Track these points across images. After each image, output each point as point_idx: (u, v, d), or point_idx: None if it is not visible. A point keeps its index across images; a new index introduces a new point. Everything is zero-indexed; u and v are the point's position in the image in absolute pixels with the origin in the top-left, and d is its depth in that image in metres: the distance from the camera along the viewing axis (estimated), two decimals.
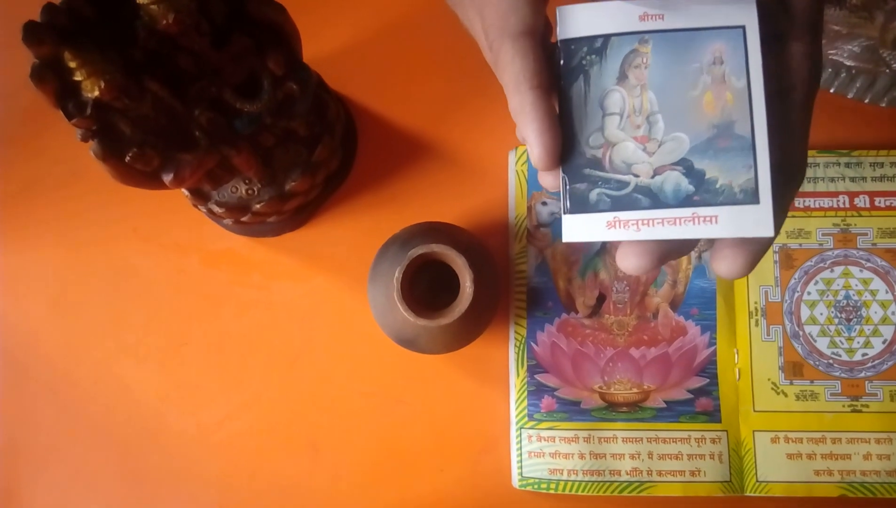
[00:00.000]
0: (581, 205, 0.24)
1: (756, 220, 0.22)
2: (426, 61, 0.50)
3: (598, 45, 0.24)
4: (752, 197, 0.22)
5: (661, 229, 0.23)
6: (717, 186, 0.23)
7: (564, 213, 0.24)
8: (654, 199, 0.23)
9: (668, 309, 0.46)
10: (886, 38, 0.41)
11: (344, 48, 0.51)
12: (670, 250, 0.24)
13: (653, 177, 0.23)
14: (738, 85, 0.23)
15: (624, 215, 0.23)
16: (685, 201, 0.23)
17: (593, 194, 0.24)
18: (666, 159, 0.23)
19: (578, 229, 0.24)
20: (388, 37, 0.51)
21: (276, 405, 0.48)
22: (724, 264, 0.24)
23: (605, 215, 0.23)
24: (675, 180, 0.23)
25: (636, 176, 0.23)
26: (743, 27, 0.23)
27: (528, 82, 0.24)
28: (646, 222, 0.23)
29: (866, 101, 0.47)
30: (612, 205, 0.23)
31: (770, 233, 0.22)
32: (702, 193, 0.23)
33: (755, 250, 0.23)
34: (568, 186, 0.24)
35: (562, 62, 0.24)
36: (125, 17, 0.32)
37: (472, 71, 0.50)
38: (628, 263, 0.24)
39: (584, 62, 0.24)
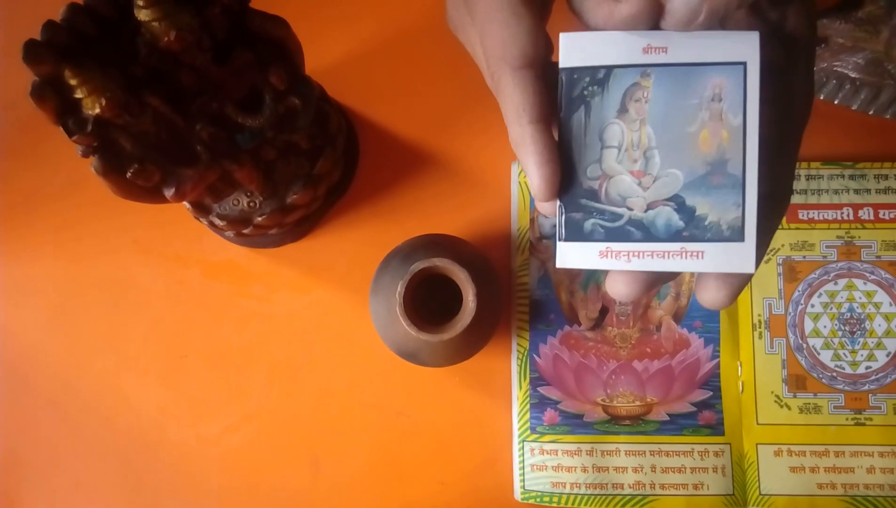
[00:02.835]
0: (576, 234, 0.24)
1: (740, 257, 0.23)
2: (428, 72, 0.50)
3: (600, 75, 0.24)
4: (738, 235, 0.23)
5: (651, 262, 0.24)
6: (706, 222, 0.23)
7: (559, 240, 0.24)
8: (646, 232, 0.24)
9: (672, 322, 0.46)
10: (892, 52, 0.41)
11: (346, 59, 0.51)
12: (657, 279, 0.25)
13: (646, 211, 0.24)
14: (734, 123, 0.23)
15: (616, 246, 0.24)
16: (675, 236, 0.24)
17: (588, 224, 0.24)
18: (660, 195, 0.24)
19: (572, 256, 0.24)
20: (390, 48, 0.51)
21: (277, 417, 0.48)
22: (707, 295, 0.25)
23: (598, 244, 0.24)
24: (666, 216, 0.24)
25: (630, 209, 0.24)
26: (744, 64, 0.23)
27: (527, 115, 0.24)
28: (637, 253, 0.24)
29: (870, 112, 0.47)
30: (605, 236, 0.24)
31: (751, 270, 0.23)
32: (691, 228, 0.23)
33: (737, 283, 0.24)
34: (564, 215, 0.24)
35: (563, 91, 0.24)
36: (126, 34, 0.32)
37: (474, 82, 0.49)
38: (617, 289, 0.25)
39: (585, 92, 0.24)
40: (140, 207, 0.37)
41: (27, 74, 0.30)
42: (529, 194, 0.48)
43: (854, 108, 0.47)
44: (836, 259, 0.46)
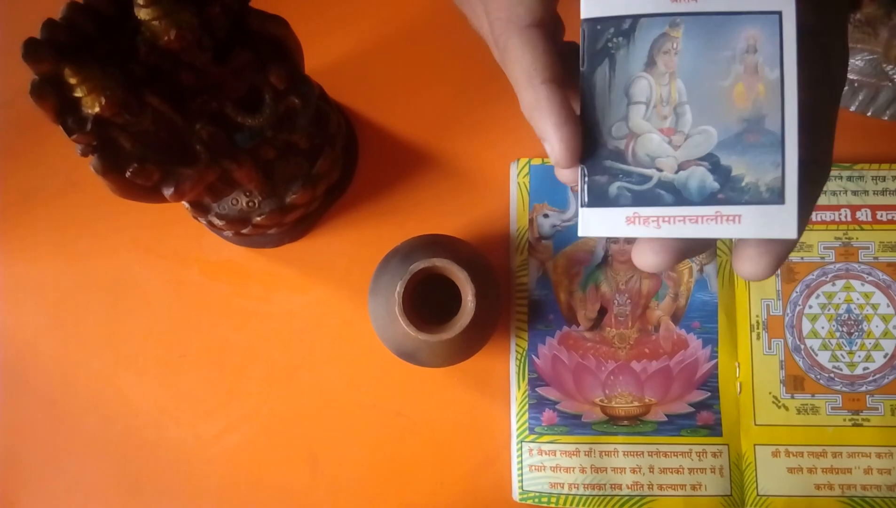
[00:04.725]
0: (600, 199, 0.22)
1: (780, 221, 0.21)
2: (428, 72, 0.50)
3: (625, 26, 0.22)
4: (777, 197, 0.21)
5: (683, 228, 0.22)
6: (743, 183, 0.22)
7: (582, 206, 0.23)
8: (678, 195, 0.22)
9: (670, 322, 0.46)
10: (890, 53, 0.41)
11: (345, 58, 0.51)
12: (690, 248, 0.23)
13: (677, 172, 0.22)
14: (771, 76, 0.21)
15: (645, 211, 0.22)
16: (709, 199, 0.22)
17: (613, 188, 0.22)
18: (692, 154, 0.22)
19: (596, 223, 0.22)
20: (389, 47, 0.51)
21: (276, 417, 0.48)
22: (747, 265, 0.23)
23: (624, 210, 0.22)
24: (700, 177, 0.22)
25: (660, 170, 0.22)
26: (780, 13, 0.21)
27: (540, 76, 0.22)
28: (667, 219, 0.22)
29: (868, 114, 0.47)
30: (632, 200, 0.22)
31: (794, 235, 0.22)
32: (727, 191, 0.22)
33: (779, 251, 0.22)
34: (587, 179, 0.23)
35: (585, 43, 0.22)
36: (126, 33, 0.32)
37: (474, 82, 0.50)
38: (645, 259, 0.23)
39: (609, 45, 0.22)
40: (139, 206, 0.37)
41: (27, 72, 0.30)
42: (529, 194, 0.48)
43: (852, 109, 0.47)
44: (833, 260, 0.46)
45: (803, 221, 0.22)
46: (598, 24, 0.22)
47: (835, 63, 0.23)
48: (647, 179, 0.22)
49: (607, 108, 0.22)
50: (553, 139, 0.22)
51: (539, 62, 0.23)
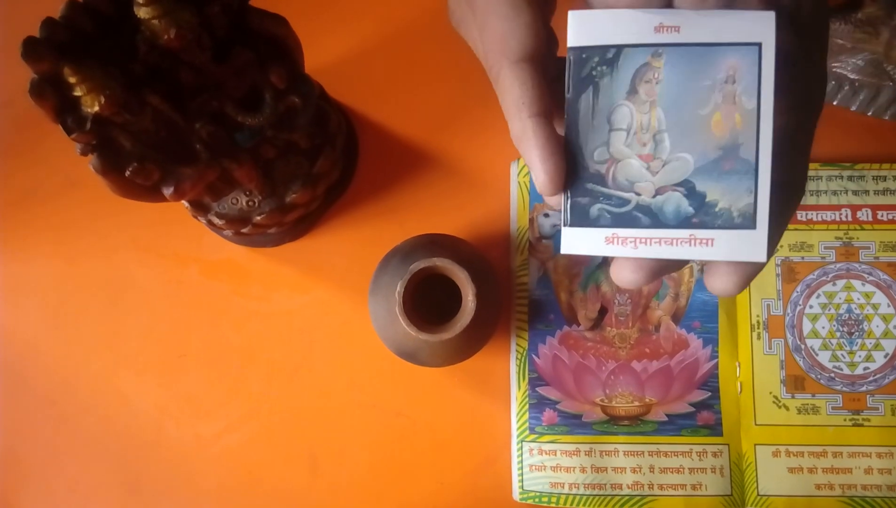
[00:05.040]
0: (581, 219, 0.24)
1: (751, 245, 0.22)
2: (428, 71, 0.50)
3: (610, 55, 0.23)
4: (749, 222, 0.22)
5: (659, 249, 0.23)
6: (717, 209, 0.23)
7: (564, 225, 0.24)
8: (654, 218, 0.23)
9: (670, 322, 0.46)
10: (891, 53, 0.41)
11: (346, 58, 0.51)
12: (665, 267, 0.24)
13: (654, 196, 0.23)
14: (748, 106, 0.22)
15: (623, 232, 0.23)
16: (684, 223, 0.23)
17: (594, 209, 0.24)
18: (669, 179, 0.23)
19: (577, 242, 0.24)
20: (390, 47, 0.50)
21: (275, 417, 0.47)
22: (717, 283, 0.24)
23: (604, 230, 0.23)
24: (676, 201, 0.23)
25: (638, 194, 0.23)
26: (759, 45, 0.22)
27: (527, 109, 0.23)
28: (644, 240, 0.23)
29: (869, 114, 0.47)
30: (612, 221, 0.23)
31: (763, 259, 0.22)
32: (701, 215, 0.23)
33: (748, 271, 0.24)
34: (569, 200, 0.24)
35: (571, 71, 0.23)
36: (126, 32, 0.32)
37: (474, 81, 0.49)
38: (623, 276, 0.24)
39: (594, 73, 0.23)
40: (138, 205, 0.37)
41: (26, 71, 0.30)
42: (529, 194, 0.48)
43: (853, 109, 0.47)
44: (834, 260, 0.46)
45: (773, 244, 0.23)
46: (584, 53, 0.23)
47: (814, 87, 0.24)
48: (626, 202, 0.23)
49: (590, 133, 0.23)
50: (538, 170, 0.23)
51: (527, 96, 0.24)
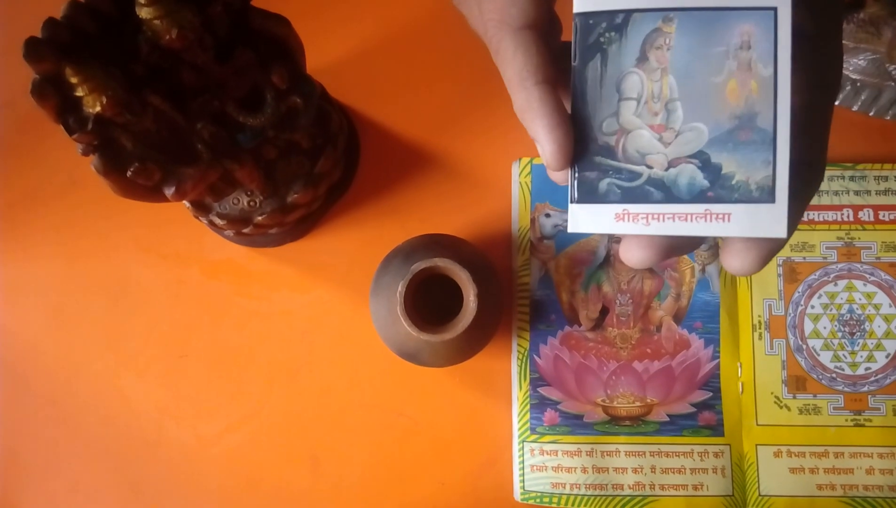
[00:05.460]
0: (590, 195, 0.22)
1: (770, 220, 0.21)
2: (429, 71, 0.50)
3: (618, 20, 0.22)
4: (768, 195, 0.21)
5: (672, 225, 0.22)
6: (733, 182, 0.21)
7: (571, 202, 0.22)
8: (667, 192, 0.22)
9: (672, 322, 0.46)
10: (894, 53, 0.41)
11: (347, 58, 0.51)
12: (677, 246, 0.23)
13: (667, 169, 0.22)
14: (764, 73, 0.21)
15: (634, 208, 0.22)
16: (699, 197, 0.22)
17: (603, 184, 0.22)
18: (682, 151, 0.22)
19: (585, 219, 0.22)
20: (391, 47, 0.50)
21: (277, 417, 0.47)
22: (735, 261, 0.22)
23: (614, 206, 0.22)
24: (689, 174, 0.22)
25: (650, 167, 0.22)
26: (775, 9, 0.21)
27: (532, 77, 0.22)
28: (656, 216, 0.22)
29: (871, 114, 0.47)
30: (622, 196, 0.22)
31: (783, 234, 0.21)
32: (716, 188, 0.21)
33: (767, 248, 0.22)
34: (577, 175, 0.22)
35: (577, 38, 0.22)
36: (128, 32, 0.32)
37: (476, 81, 0.49)
38: (632, 255, 0.22)
39: (602, 39, 0.22)
40: (140, 206, 0.37)
41: (27, 71, 0.30)
42: (531, 194, 0.48)
43: (855, 109, 0.47)
44: (836, 260, 0.46)
45: (794, 221, 0.22)
46: (591, 19, 0.22)
47: (830, 67, 0.23)
48: (637, 175, 0.22)
49: (598, 103, 0.22)
50: (545, 142, 0.22)
51: (531, 64, 0.23)
